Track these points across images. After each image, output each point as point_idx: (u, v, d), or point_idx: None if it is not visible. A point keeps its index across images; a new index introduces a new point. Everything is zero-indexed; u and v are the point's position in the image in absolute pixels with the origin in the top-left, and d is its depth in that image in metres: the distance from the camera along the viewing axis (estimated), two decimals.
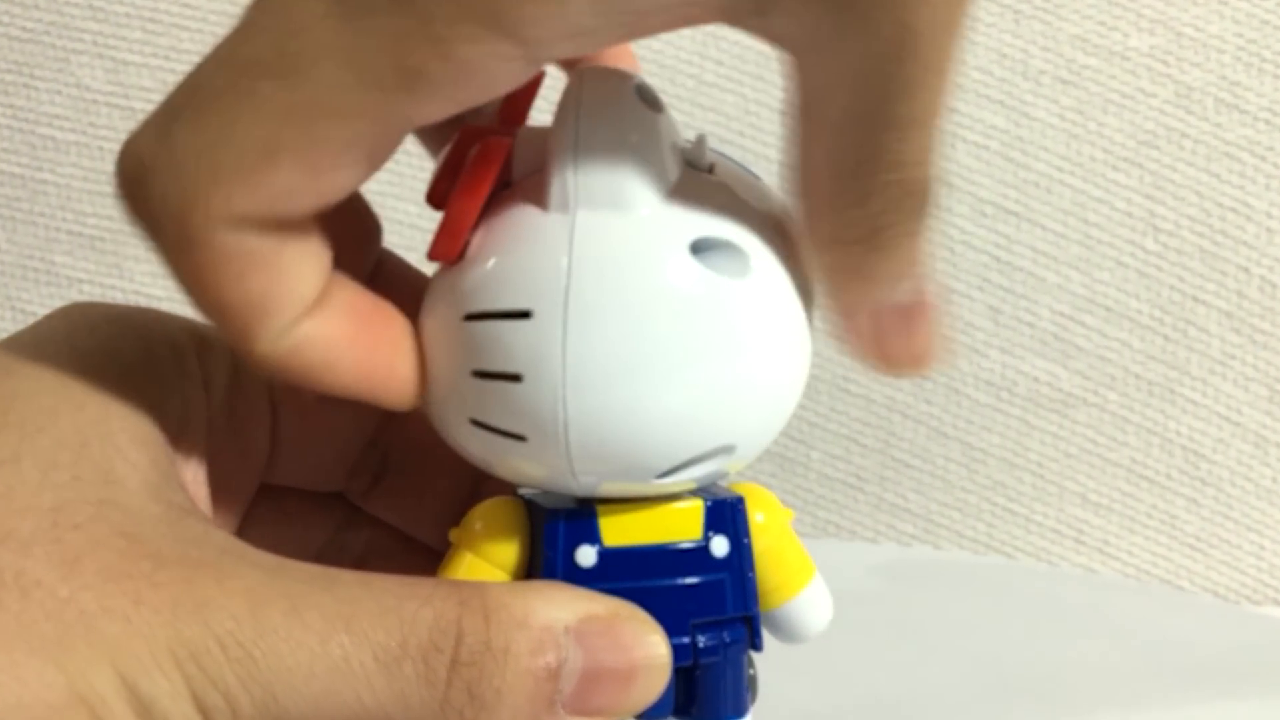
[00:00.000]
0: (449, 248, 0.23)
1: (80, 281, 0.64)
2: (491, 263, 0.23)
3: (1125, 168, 0.62)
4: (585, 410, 0.22)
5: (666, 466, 0.23)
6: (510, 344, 0.22)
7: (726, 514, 0.25)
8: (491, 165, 0.23)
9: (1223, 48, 0.61)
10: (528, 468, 0.24)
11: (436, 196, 0.24)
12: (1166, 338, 0.64)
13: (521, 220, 0.23)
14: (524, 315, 0.22)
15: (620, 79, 0.23)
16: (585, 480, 0.23)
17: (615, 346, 0.22)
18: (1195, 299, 0.63)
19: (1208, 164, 0.62)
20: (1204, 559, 0.66)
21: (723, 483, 0.26)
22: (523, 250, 0.22)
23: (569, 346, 0.22)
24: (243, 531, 0.27)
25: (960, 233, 0.63)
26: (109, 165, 0.61)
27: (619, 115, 0.22)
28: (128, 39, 0.61)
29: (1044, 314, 0.64)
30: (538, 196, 0.23)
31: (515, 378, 0.22)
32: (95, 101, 0.62)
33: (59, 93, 0.62)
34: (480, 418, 0.23)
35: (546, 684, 0.22)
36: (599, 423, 0.22)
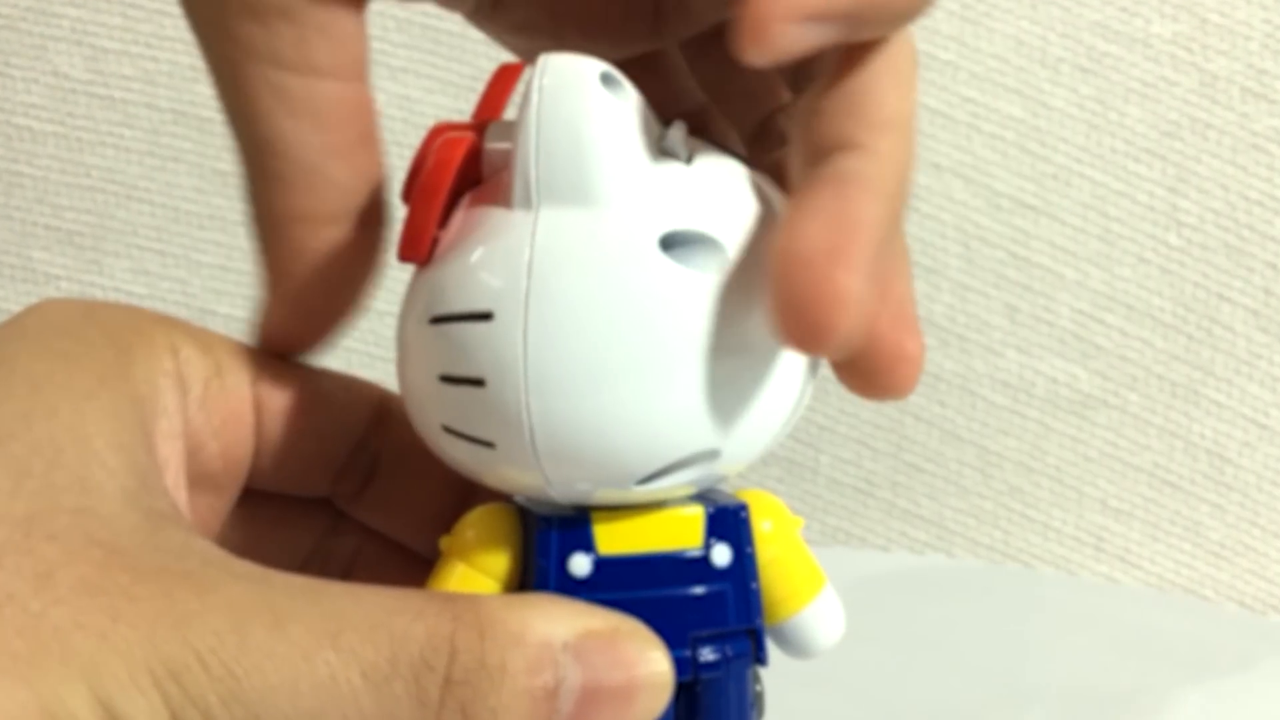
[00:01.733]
0: (412, 249, 0.23)
1: (58, 278, 0.64)
2: (454, 263, 0.23)
3: (1147, 160, 0.62)
4: (550, 415, 0.22)
5: (645, 472, 0.23)
6: (473, 347, 0.22)
7: (729, 521, 0.25)
8: (449, 163, 0.23)
9: (1249, 34, 0.61)
10: (503, 475, 0.24)
11: (407, 194, 0.24)
12: (1190, 337, 0.64)
13: (486, 218, 0.23)
14: (486, 317, 0.22)
15: (583, 65, 0.22)
16: (561, 488, 0.23)
17: (579, 348, 0.22)
18: (1220, 296, 0.63)
19: (1233, 156, 0.62)
20: (1229, 567, 0.66)
21: (725, 488, 0.26)
22: (485, 249, 0.23)
23: (531, 349, 0.22)
24: (224, 538, 0.27)
25: (975, 227, 0.63)
26: (88, 157, 0.62)
27: (581, 104, 0.22)
28: (107, 25, 0.61)
29: (1063, 312, 0.64)
30: (502, 193, 0.23)
31: (479, 382, 0.22)
32: (74, 91, 0.62)
33: (36, 81, 0.62)
34: (450, 424, 0.23)
35: (544, 704, 0.21)
36: (566, 428, 0.22)
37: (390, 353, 0.25)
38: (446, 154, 0.23)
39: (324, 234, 0.25)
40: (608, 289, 0.22)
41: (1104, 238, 0.63)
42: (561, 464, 0.23)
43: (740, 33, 0.21)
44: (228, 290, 0.64)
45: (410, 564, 0.29)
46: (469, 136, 0.24)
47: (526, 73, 0.25)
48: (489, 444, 0.23)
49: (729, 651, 0.24)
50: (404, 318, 0.24)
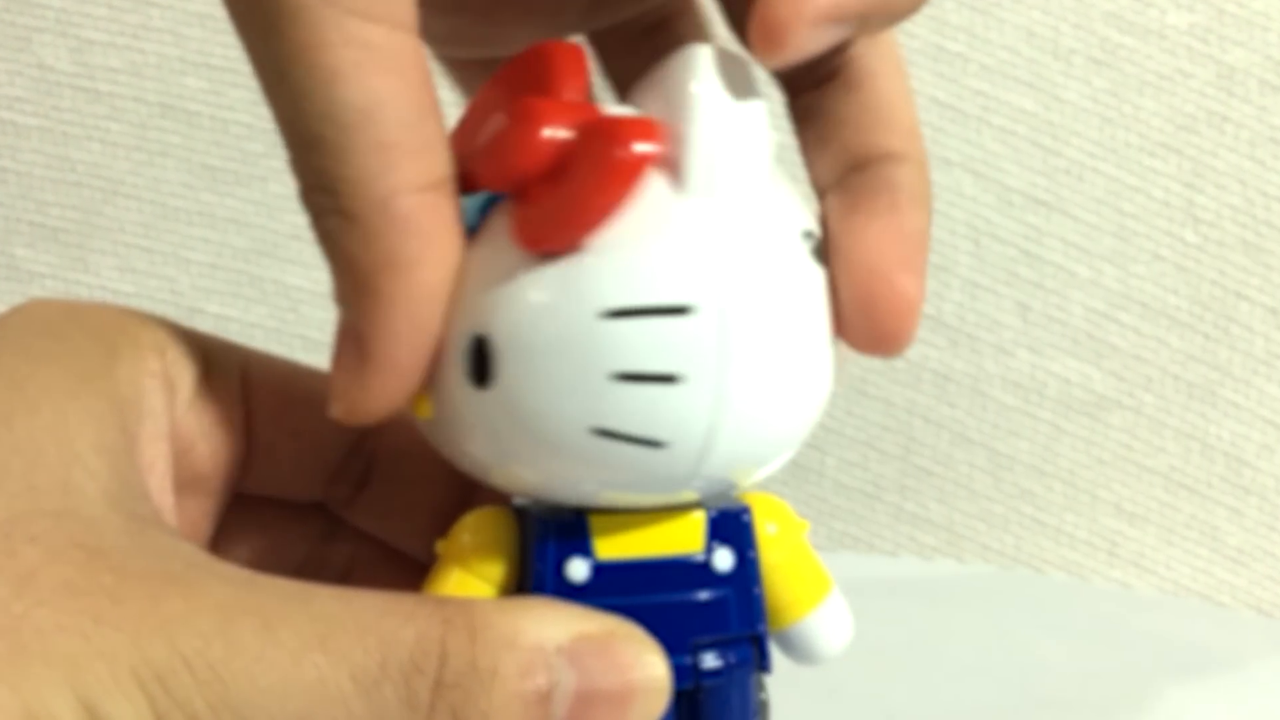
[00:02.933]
0: (577, 232, 0.22)
1: (42, 276, 0.64)
2: (634, 252, 0.22)
3: (1163, 154, 0.62)
4: (738, 411, 0.22)
5: (769, 466, 0.24)
6: (669, 341, 0.22)
7: (731, 525, 0.25)
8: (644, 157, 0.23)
9: (1268, 25, 0.61)
10: (653, 476, 0.23)
11: (511, 174, 0.23)
12: (1207, 336, 0.64)
13: (657, 206, 0.22)
14: (683, 310, 0.22)
15: (739, 57, 0.23)
16: (705, 484, 0.24)
17: (766, 342, 0.22)
18: (1238, 294, 0.63)
19: (1251, 150, 0.62)
20: (1247, 573, 0.66)
21: (732, 493, 0.26)
22: (671, 238, 0.22)
23: (728, 343, 0.22)
24: (216, 545, 0.27)
25: (986, 224, 0.63)
26: (73, 152, 0.62)
27: (746, 98, 0.23)
28: (93, 16, 0.61)
29: (1076, 311, 0.64)
30: (668, 180, 0.23)
31: (670, 379, 0.22)
32: (58, 84, 0.62)
33: (19, 74, 0.62)
34: (613, 426, 0.22)
35: (536, 708, 0.22)
36: (745, 425, 0.23)
37: None
38: (650, 132, 0.23)
39: (433, 203, 0.23)
40: (782, 283, 0.23)
41: (1118, 234, 0.63)
42: (721, 461, 0.23)
43: (758, 36, 0.22)
44: (217, 289, 0.64)
45: (407, 570, 0.29)
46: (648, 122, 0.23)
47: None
48: (657, 443, 0.22)
49: (731, 658, 0.24)
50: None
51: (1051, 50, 0.62)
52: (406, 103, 0.22)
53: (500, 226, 0.23)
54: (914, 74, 0.61)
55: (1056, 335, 0.64)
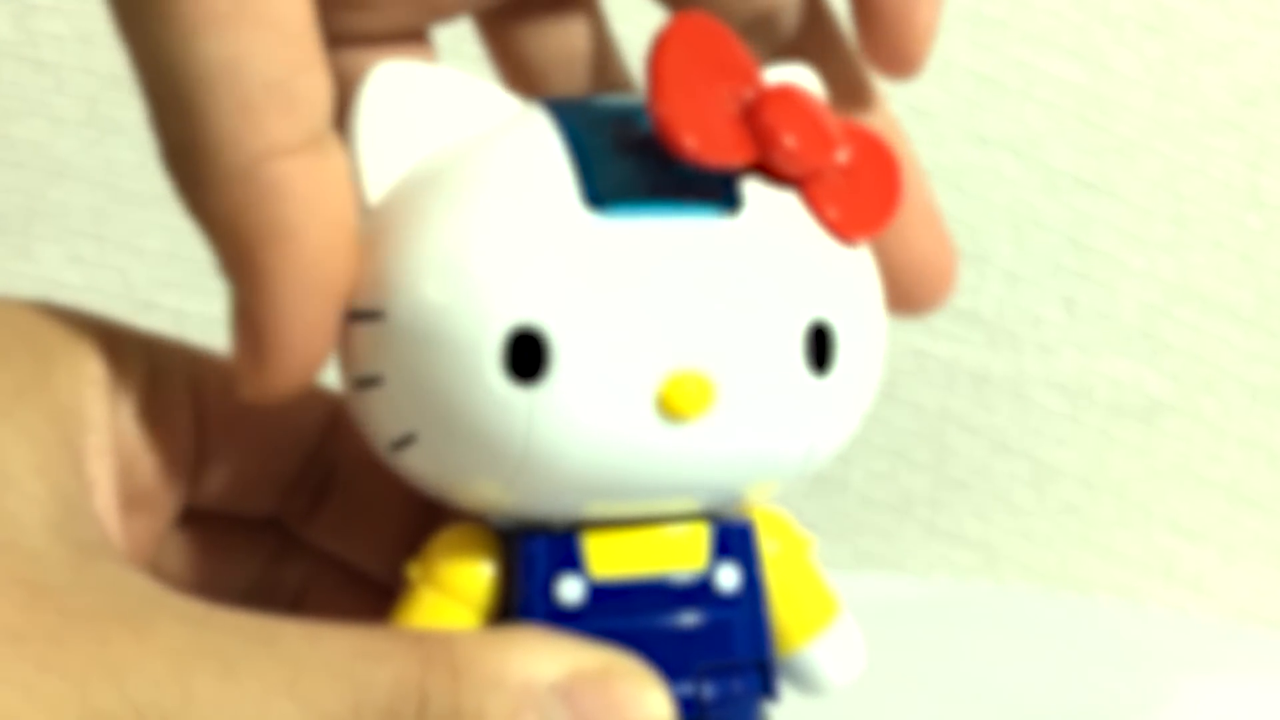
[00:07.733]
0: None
1: None
2: None
3: (1225, 131, 0.62)
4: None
5: None
6: None
7: (735, 540, 0.25)
8: None
9: None
10: None
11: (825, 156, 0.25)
12: (1273, 333, 0.64)
13: None
14: None
15: None
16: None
17: None
18: None
19: None
20: None
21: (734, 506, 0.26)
22: None
23: None
24: (160, 565, 0.27)
25: (1028, 209, 0.63)
26: (14, 128, 0.62)
27: None
28: None
29: (1128, 305, 0.64)
30: None
31: None
32: None
33: None
34: None
35: None
36: None
37: None
38: None
39: (307, 165, 0.22)
40: None
41: (1175, 220, 0.63)
42: None
43: (889, 62, 0.27)
44: (175, 280, 0.64)
45: (367, 593, 0.29)
46: None
47: None
48: None
49: (737, 687, 0.25)
50: None
51: (1101, 16, 0.62)
52: (278, 58, 0.22)
53: None
54: (949, 43, 0.61)
55: (1106, 332, 0.64)
